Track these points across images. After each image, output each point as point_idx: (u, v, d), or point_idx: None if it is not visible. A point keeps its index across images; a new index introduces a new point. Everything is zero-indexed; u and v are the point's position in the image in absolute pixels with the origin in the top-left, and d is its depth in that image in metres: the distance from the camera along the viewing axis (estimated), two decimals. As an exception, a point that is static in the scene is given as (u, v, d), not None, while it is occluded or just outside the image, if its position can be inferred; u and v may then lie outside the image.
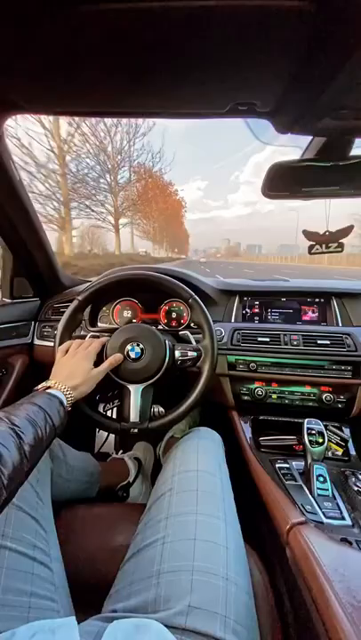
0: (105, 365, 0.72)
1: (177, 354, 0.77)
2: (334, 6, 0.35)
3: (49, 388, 0.60)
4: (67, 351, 0.73)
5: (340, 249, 0.68)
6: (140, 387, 0.75)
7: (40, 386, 0.62)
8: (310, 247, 0.70)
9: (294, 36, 0.40)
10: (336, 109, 0.51)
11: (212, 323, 0.79)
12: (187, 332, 0.87)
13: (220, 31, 0.40)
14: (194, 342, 0.83)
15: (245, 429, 0.93)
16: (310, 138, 0.63)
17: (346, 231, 0.68)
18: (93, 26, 0.40)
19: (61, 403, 0.58)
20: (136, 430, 0.73)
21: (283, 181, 0.67)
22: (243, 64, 0.46)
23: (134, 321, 1.09)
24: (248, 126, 0.62)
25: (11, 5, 0.37)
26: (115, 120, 13.89)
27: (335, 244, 0.68)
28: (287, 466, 0.79)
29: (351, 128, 0.58)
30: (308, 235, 0.70)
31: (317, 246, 0.69)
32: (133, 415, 0.73)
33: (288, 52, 0.43)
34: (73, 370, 0.67)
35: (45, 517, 0.56)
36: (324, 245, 0.68)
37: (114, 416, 0.78)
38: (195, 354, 0.77)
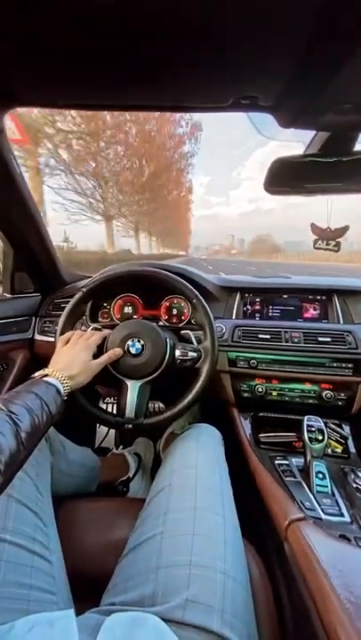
0: (104, 358, 0.72)
1: (177, 353, 0.77)
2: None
3: (46, 375, 0.60)
4: (67, 342, 0.73)
5: (336, 249, 0.68)
6: (138, 383, 0.75)
7: (37, 373, 0.62)
8: (315, 241, 0.70)
9: (297, 30, 0.40)
10: (339, 104, 0.50)
11: (214, 324, 0.79)
12: (188, 331, 0.87)
13: (222, 25, 0.40)
14: (195, 342, 0.83)
15: (245, 426, 0.93)
16: (313, 133, 0.62)
17: (342, 231, 0.67)
18: (95, 19, 0.40)
19: (58, 391, 0.58)
20: (131, 426, 0.73)
21: (285, 177, 0.66)
22: (245, 58, 0.46)
23: (135, 317, 1.09)
24: (251, 121, 0.61)
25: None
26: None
27: (333, 243, 0.67)
28: (287, 462, 0.79)
29: (355, 123, 0.57)
30: (314, 228, 0.69)
31: (320, 241, 0.68)
32: (129, 411, 0.73)
33: (291, 45, 0.42)
34: (71, 360, 0.67)
35: (45, 511, 0.56)
36: (325, 242, 0.68)
37: (114, 411, 0.78)
38: (195, 354, 0.77)
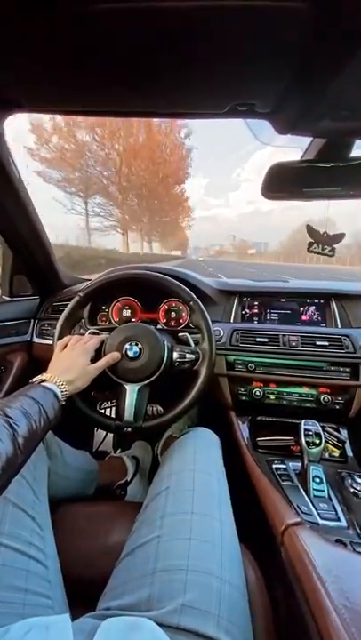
0: (102, 362, 0.72)
1: (175, 355, 0.77)
2: (330, 6, 0.35)
3: (44, 381, 0.61)
4: (65, 346, 0.73)
5: (331, 254, 0.69)
6: (137, 386, 0.75)
7: (36, 379, 0.62)
8: (309, 244, 0.70)
9: (293, 37, 0.40)
10: (335, 110, 0.51)
11: (211, 326, 0.79)
12: (186, 333, 0.87)
13: (220, 32, 0.40)
14: (192, 344, 0.83)
15: (243, 429, 0.94)
16: (310, 139, 0.63)
17: (338, 238, 0.68)
18: (94, 25, 0.40)
19: (56, 396, 0.58)
20: (130, 429, 0.73)
21: (283, 182, 0.67)
22: (242, 65, 0.46)
23: (133, 320, 1.09)
24: (248, 127, 0.61)
25: (12, 3, 0.37)
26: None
27: (329, 248, 0.68)
28: (284, 466, 0.79)
29: (351, 129, 0.58)
30: (310, 231, 0.70)
31: (315, 245, 0.69)
32: (128, 414, 0.73)
33: (287, 52, 0.43)
34: (69, 364, 0.67)
35: (42, 515, 0.56)
36: (320, 246, 0.69)
37: (112, 415, 0.78)
38: (193, 356, 0.78)
